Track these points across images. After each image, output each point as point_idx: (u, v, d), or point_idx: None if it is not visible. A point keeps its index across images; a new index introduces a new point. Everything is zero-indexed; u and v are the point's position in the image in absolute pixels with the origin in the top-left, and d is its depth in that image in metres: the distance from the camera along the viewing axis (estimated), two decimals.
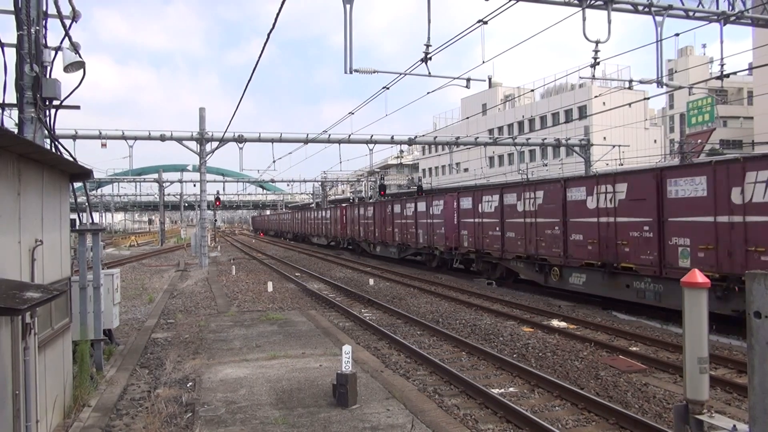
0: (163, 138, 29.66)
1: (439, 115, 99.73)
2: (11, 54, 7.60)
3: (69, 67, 8.17)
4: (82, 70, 8.29)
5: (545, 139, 36.63)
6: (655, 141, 59.35)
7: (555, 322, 13.95)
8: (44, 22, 7.92)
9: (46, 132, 8.01)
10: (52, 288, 5.76)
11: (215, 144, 30.95)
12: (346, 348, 7.69)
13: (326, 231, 49.10)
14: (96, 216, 55.61)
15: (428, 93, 38.90)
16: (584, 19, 13.33)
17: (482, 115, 64.90)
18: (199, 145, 30.51)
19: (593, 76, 14.95)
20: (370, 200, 50.45)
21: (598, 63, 13.84)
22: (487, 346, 11.75)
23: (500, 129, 66.52)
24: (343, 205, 48.12)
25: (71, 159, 7.91)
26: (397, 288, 21.30)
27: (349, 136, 30.91)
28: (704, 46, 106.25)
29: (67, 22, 8.11)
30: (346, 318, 15.65)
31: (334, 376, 7.81)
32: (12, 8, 7.61)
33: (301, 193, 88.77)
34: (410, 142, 34.48)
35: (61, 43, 8.09)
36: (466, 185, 44.04)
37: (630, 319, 14.62)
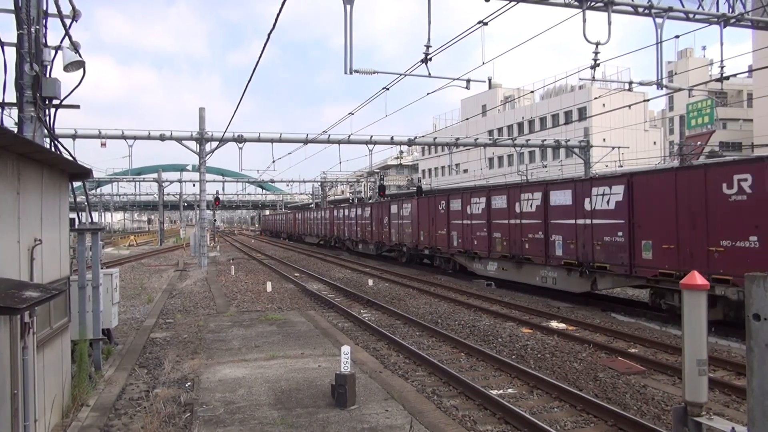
0: (162, 138, 29.66)
1: (439, 116, 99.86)
2: (11, 53, 7.60)
3: (69, 67, 8.17)
4: (82, 69, 8.29)
5: (545, 140, 36.65)
6: (654, 143, 59.41)
7: (554, 324, 13.94)
8: (44, 21, 7.91)
9: (45, 131, 8.01)
10: (51, 287, 5.76)
11: (215, 144, 30.97)
12: (345, 348, 7.68)
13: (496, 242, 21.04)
14: (95, 215, 55.58)
15: (428, 94, 38.85)
16: (584, 21, 13.33)
17: (482, 116, 64.96)
18: (198, 145, 30.51)
19: (593, 77, 14.93)
20: (370, 200, 47.76)
21: (598, 64, 13.84)
22: (486, 347, 11.75)
23: (500, 130, 66.54)
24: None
25: (71, 158, 7.90)
26: (396, 289, 21.29)
27: (349, 136, 30.91)
28: (704, 48, 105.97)
29: (68, 21, 8.11)
30: (345, 318, 15.64)
31: (332, 376, 7.81)
32: (12, 7, 7.60)
33: (301, 194, 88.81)
34: (410, 142, 34.50)
35: (61, 42, 8.09)
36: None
37: (629, 321, 14.63)
